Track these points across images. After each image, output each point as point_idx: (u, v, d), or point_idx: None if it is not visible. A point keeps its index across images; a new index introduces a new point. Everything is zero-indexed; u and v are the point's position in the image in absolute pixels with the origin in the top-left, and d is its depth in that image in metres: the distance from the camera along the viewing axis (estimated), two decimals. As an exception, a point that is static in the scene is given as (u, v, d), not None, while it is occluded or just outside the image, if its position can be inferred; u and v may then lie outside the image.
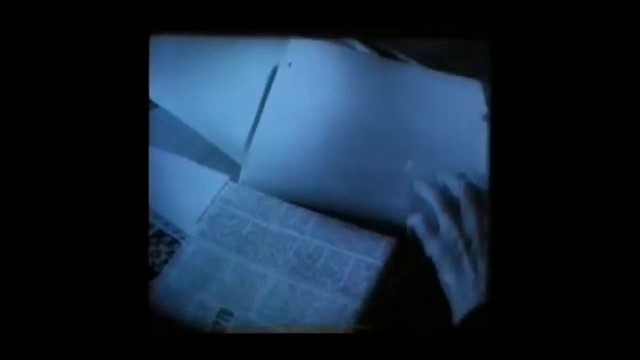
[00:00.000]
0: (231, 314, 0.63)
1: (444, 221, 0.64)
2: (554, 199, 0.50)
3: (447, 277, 0.61)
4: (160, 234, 0.69)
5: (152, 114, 0.78)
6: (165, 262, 0.66)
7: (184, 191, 0.73)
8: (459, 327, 0.57)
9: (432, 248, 0.63)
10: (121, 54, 0.51)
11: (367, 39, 0.78)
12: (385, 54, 0.80)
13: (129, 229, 0.50)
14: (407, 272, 0.65)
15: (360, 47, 0.81)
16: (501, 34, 0.50)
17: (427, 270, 0.63)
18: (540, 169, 0.50)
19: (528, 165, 0.50)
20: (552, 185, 0.50)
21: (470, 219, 0.63)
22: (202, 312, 0.63)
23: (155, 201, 0.69)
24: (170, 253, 0.67)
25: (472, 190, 0.65)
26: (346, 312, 0.61)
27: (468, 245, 0.62)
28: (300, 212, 0.69)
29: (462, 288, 0.60)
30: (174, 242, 0.69)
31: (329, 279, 0.64)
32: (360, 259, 0.64)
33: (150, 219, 0.70)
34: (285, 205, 0.69)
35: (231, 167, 0.74)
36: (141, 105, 0.52)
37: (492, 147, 0.51)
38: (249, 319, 0.62)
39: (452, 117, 0.74)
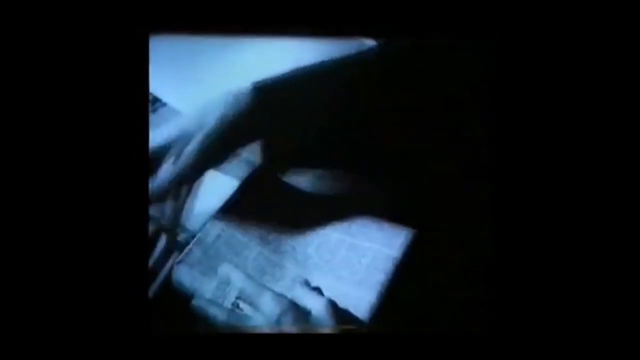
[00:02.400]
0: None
1: None
2: (556, 197, 0.50)
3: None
4: (167, 232, 0.69)
5: (161, 111, 0.79)
6: (170, 260, 0.67)
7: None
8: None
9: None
10: (121, 53, 0.51)
11: (364, 38, 0.78)
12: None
13: (129, 229, 0.50)
14: (425, 266, 0.65)
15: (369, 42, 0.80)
16: (501, 33, 0.50)
17: (446, 265, 0.64)
18: (542, 167, 0.50)
19: (529, 164, 0.50)
20: (553, 184, 0.50)
21: None
22: (221, 292, 0.64)
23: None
24: (177, 251, 0.68)
25: None
26: (362, 305, 0.62)
27: None
28: None
29: None
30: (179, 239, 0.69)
31: (347, 272, 0.65)
32: (379, 251, 0.65)
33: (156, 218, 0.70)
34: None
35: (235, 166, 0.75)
36: (141, 104, 0.52)
37: (493, 145, 0.51)
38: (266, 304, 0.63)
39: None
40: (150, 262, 0.65)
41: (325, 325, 0.57)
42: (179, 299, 0.65)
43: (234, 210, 0.70)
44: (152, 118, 0.79)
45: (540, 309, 0.49)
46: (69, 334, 0.49)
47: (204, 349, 0.54)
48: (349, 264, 0.65)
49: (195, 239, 0.67)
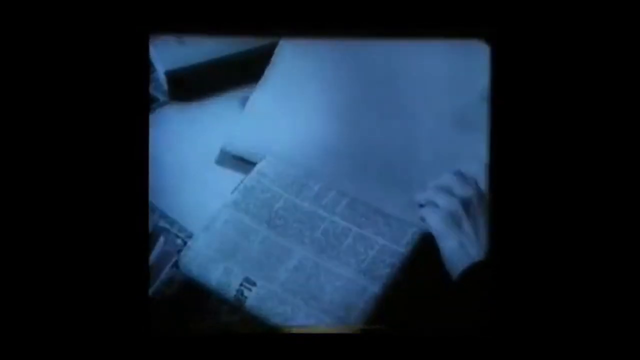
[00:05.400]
0: (254, 284, 0.64)
1: (442, 198, 0.66)
2: (554, 196, 0.50)
3: (450, 242, 0.63)
4: (166, 232, 0.70)
5: (160, 111, 0.79)
6: (169, 260, 0.67)
7: (191, 190, 0.74)
8: (459, 283, 0.60)
9: (432, 219, 0.65)
10: (121, 53, 0.51)
11: (365, 38, 0.78)
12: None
13: (129, 229, 0.51)
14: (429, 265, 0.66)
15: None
16: (501, 34, 0.50)
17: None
18: (540, 166, 0.50)
19: (528, 163, 0.50)
20: (552, 184, 0.50)
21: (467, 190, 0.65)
22: (226, 278, 0.65)
23: (161, 200, 0.71)
24: (176, 252, 0.68)
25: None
26: (365, 294, 0.63)
27: (467, 207, 0.64)
28: (333, 193, 0.70)
29: (465, 249, 0.62)
30: (179, 241, 0.69)
31: (353, 260, 0.65)
32: (386, 245, 0.66)
33: (156, 218, 0.70)
34: (319, 185, 0.71)
35: (240, 165, 0.75)
36: (141, 104, 0.52)
37: (492, 146, 0.51)
38: (270, 290, 0.64)
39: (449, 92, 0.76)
40: (150, 262, 0.65)
41: None
42: (178, 297, 0.66)
43: (242, 194, 0.70)
44: (152, 118, 0.79)
45: (541, 309, 0.49)
46: (69, 334, 0.49)
47: (203, 349, 0.54)
48: (355, 253, 0.66)
49: (204, 225, 0.68)
